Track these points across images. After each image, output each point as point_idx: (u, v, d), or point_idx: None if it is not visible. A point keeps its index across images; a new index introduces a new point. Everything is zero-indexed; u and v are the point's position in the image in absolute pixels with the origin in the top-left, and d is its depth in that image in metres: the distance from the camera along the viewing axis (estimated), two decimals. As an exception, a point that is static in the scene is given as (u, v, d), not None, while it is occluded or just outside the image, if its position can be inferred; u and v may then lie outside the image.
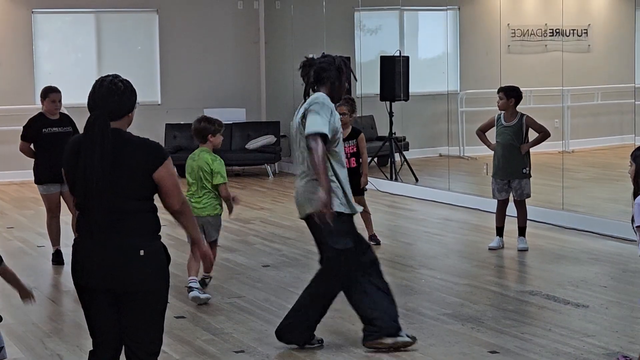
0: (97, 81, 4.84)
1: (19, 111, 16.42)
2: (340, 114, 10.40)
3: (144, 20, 18.26)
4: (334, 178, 6.77)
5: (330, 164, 6.77)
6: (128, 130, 4.84)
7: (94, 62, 17.57)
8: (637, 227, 5.63)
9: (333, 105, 6.79)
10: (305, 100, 6.88)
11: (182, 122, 17.65)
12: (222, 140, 8.61)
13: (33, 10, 17.27)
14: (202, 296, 8.33)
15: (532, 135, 10.41)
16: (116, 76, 4.86)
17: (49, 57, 17.68)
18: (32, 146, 10.03)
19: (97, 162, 4.67)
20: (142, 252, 4.72)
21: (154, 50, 18.21)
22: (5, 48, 17.10)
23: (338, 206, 6.73)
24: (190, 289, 8.33)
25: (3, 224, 12.65)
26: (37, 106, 16.18)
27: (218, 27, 18.54)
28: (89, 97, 4.81)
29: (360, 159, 10.50)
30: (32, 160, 10.08)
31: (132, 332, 4.88)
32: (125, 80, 4.85)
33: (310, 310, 6.98)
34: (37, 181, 10.04)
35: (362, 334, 7.02)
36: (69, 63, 17.71)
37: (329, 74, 6.85)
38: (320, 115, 6.63)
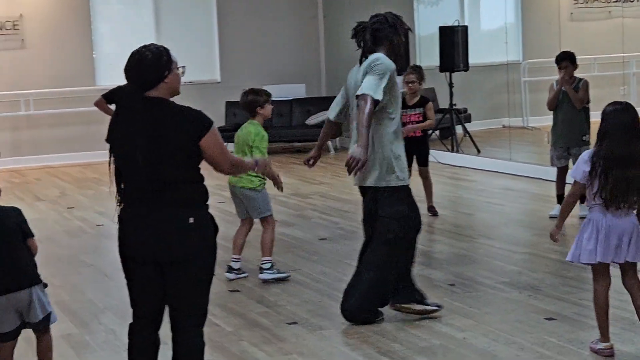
0: (131, 53, 4.80)
1: (80, 93, 16.54)
2: (409, 82, 10.33)
3: (202, -2, 18.30)
4: (397, 152, 6.67)
5: (389, 136, 6.64)
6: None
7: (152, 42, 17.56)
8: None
9: (394, 67, 6.58)
10: (361, 63, 6.69)
11: (242, 100, 17.64)
12: (272, 109, 8.22)
13: (91, -8, 17.40)
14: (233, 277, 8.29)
15: None
16: (147, 45, 4.79)
17: (107, 38, 17.74)
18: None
19: (134, 131, 4.64)
20: (191, 220, 4.64)
21: (212, 29, 18.22)
22: (64, 31, 17.18)
23: (396, 180, 6.67)
24: (230, 269, 8.29)
25: (65, 204, 12.75)
26: (97, 87, 16.35)
27: (276, 2, 18.50)
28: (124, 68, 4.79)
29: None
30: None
31: (178, 303, 4.81)
32: (156, 48, 4.77)
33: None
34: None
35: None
36: (127, 44, 17.69)
37: (386, 33, 6.68)
38: (380, 81, 6.45)
